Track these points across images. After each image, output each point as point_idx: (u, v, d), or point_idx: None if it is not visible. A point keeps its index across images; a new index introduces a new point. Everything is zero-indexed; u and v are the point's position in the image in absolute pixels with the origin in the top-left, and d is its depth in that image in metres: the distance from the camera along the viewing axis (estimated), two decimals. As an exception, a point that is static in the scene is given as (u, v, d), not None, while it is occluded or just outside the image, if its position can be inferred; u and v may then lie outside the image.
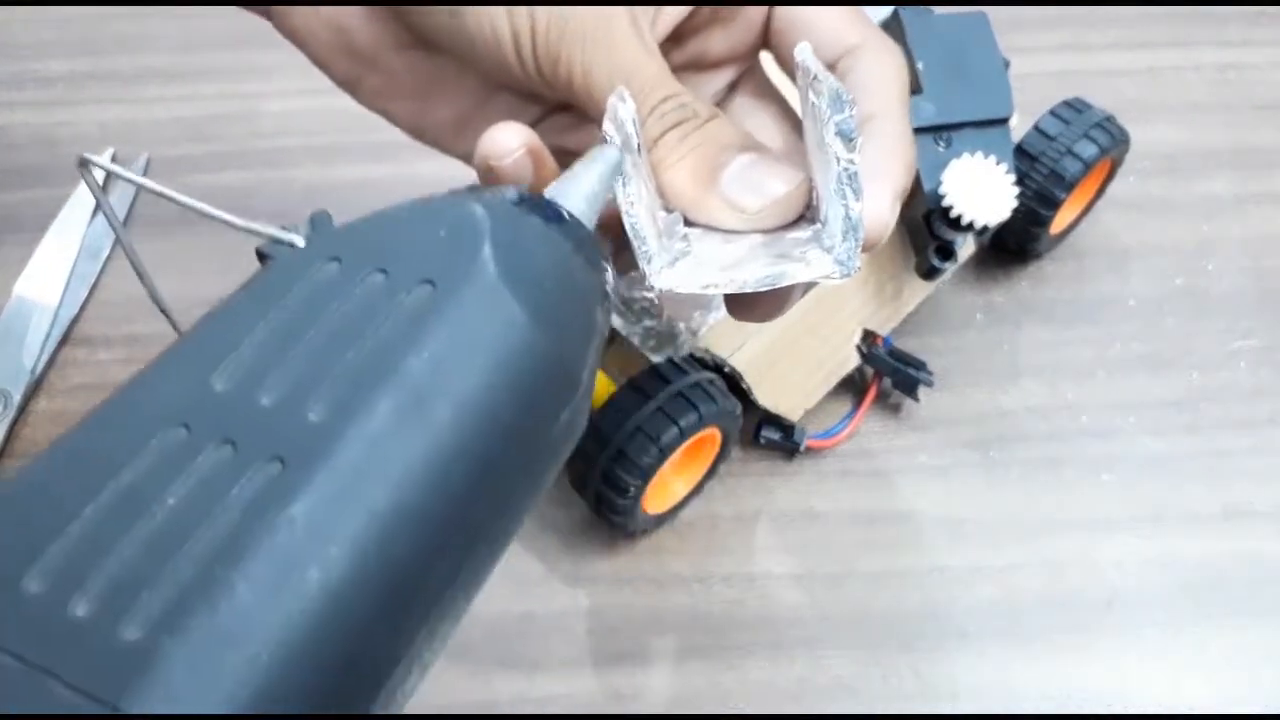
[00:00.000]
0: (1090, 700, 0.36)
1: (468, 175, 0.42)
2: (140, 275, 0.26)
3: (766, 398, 0.38)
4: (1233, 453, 0.41)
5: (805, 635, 0.37)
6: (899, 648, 0.37)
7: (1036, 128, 0.41)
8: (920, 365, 0.40)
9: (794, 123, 0.28)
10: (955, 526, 0.39)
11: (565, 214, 0.22)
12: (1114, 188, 0.44)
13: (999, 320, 0.44)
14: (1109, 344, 0.43)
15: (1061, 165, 0.40)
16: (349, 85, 0.30)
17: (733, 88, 0.29)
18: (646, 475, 0.35)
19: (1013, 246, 0.44)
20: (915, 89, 0.38)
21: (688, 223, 0.25)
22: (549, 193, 0.23)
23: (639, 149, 0.24)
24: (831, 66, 0.26)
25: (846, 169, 0.23)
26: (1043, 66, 0.50)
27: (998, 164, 0.37)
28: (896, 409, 0.42)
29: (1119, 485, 0.40)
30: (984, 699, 0.36)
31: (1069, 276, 0.45)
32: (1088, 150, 0.40)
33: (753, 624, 0.38)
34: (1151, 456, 0.41)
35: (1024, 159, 0.40)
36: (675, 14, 0.27)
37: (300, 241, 0.20)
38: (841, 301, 0.39)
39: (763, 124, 0.28)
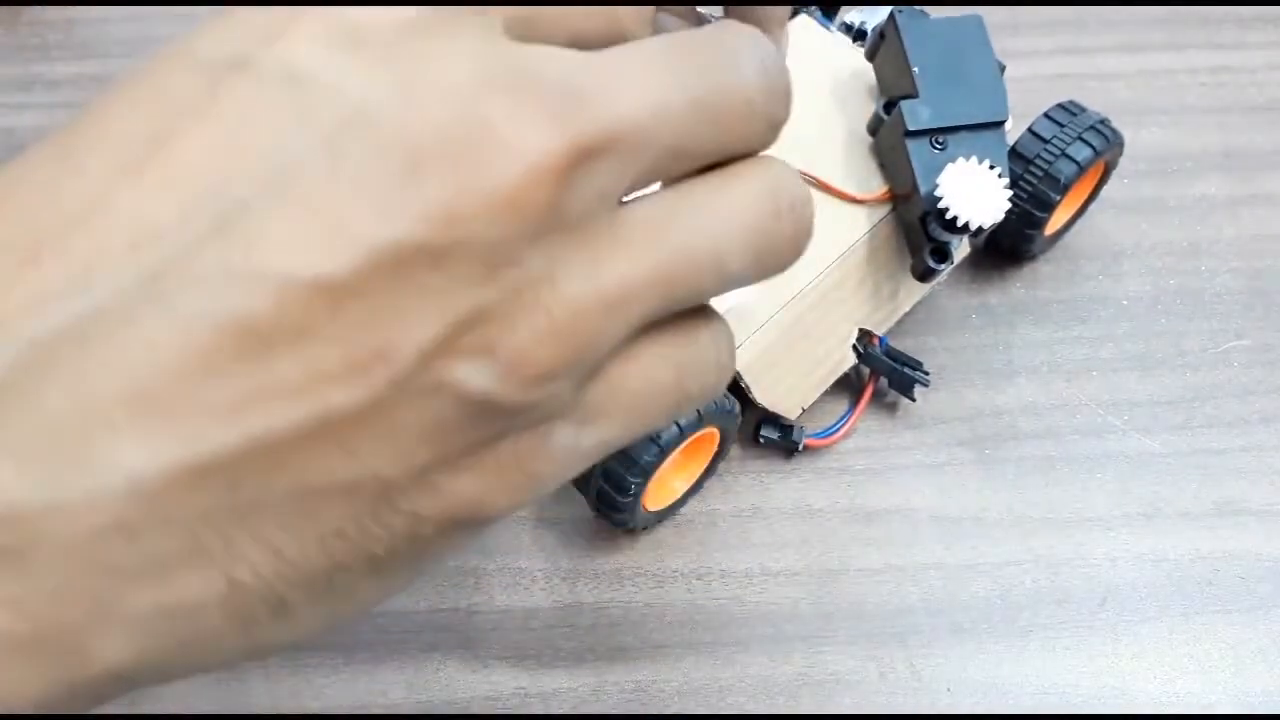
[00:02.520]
0: (1084, 696, 0.37)
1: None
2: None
3: (765, 397, 0.39)
4: (1225, 451, 0.42)
5: (802, 630, 0.38)
6: (895, 643, 0.38)
7: (1031, 130, 0.41)
8: (916, 365, 0.41)
9: None
10: (951, 524, 0.40)
11: None
12: (1108, 189, 0.45)
13: (994, 320, 0.44)
14: (1102, 344, 0.44)
15: (1056, 168, 0.40)
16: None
17: None
18: (647, 473, 0.35)
19: (1007, 248, 0.44)
20: (911, 93, 0.39)
21: None
22: None
23: None
24: None
25: None
26: (1037, 69, 0.51)
27: (992, 167, 0.37)
28: (893, 408, 0.42)
29: (1112, 483, 0.41)
30: (978, 694, 0.37)
31: (1063, 277, 0.46)
32: (1082, 153, 0.41)
33: (751, 619, 0.38)
34: (1144, 455, 0.41)
35: (1018, 161, 0.41)
36: None
37: None
38: (838, 303, 0.40)
39: None
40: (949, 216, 0.37)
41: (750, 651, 0.38)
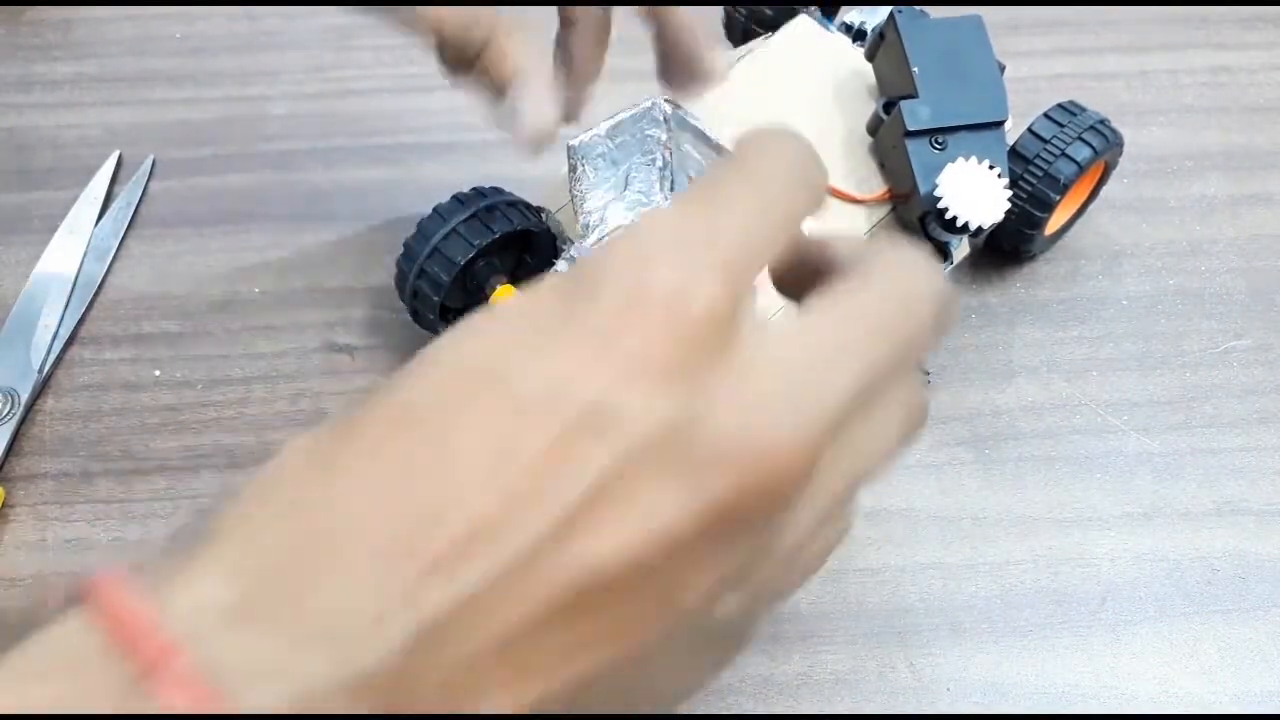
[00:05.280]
0: (1083, 695, 0.37)
1: (472, 179, 0.42)
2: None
3: (764, 397, 0.39)
4: (1224, 451, 0.42)
5: (802, 630, 0.38)
6: (895, 643, 0.38)
7: (1031, 130, 0.41)
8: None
9: None
10: (950, 523, 0.40)
11: None
12: (1107, 189, 0.45)
13: (994, 320, 0.44)
14: (1102, 344, 0.44)
15: (1055, 168, 0.41)
16: None
17: None
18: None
19: (1007, 248, 0.44)
20: (911, 92, 0.39)
21: None
22: None
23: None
24: None
25: None
26: (1037, 70, 0.51)
27: (991, 167, 0.37)
28: (893, 408, 0.42)
29: (1112, 483, 0.41)
30: (978, 694, 0.37)
31: (1063, 277, 0.46)
32: (1081, 153, 0.41)
33: (751, 619, 0.38)
34: (1144, 455, 0.41)
35: (1018, 161, 0.41)
36: None
37: None
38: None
39: None
40: (949, 216, 0.37)
41: (750, 651, 0.38)
